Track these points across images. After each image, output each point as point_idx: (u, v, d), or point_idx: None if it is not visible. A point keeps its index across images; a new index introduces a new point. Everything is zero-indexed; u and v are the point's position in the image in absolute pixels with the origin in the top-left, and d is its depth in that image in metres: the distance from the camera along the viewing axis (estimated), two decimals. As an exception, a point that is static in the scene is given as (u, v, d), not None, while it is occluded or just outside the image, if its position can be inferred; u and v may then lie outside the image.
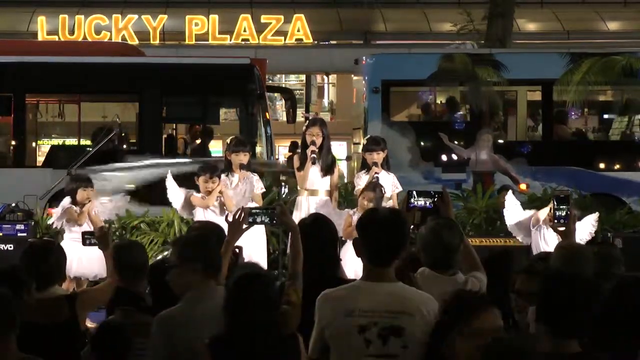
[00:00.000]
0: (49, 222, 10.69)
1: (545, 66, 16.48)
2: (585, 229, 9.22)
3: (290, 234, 5.67)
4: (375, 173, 9.91)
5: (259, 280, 4.64)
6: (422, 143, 16.49)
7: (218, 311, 4.63)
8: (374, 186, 9.55)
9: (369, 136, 10.93)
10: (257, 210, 5.68)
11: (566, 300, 4.06)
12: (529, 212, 9.58)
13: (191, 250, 5.09)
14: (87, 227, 9.85)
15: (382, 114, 16.18)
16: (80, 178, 10.64)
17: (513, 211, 9.70)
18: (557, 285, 4.14)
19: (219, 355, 4.53)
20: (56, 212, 10.39)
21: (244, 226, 5.58)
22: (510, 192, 10.21)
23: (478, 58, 16.88)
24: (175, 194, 9.89)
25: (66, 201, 10.27)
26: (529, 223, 9.37)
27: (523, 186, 15.70)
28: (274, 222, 5.67)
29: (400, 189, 10.10)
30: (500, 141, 16.71)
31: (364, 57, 16.71)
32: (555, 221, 6.78)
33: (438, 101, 17.77)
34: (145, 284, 5.94)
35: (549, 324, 4.08)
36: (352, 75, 18.77)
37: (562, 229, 6.82)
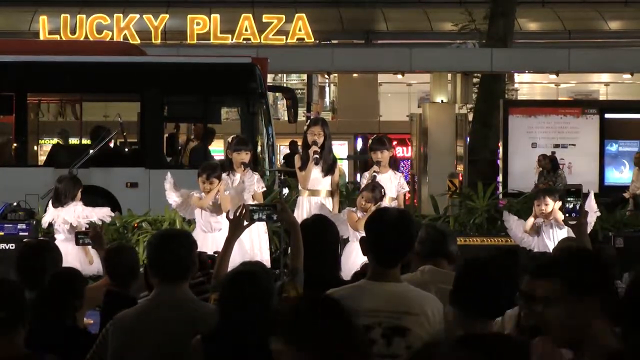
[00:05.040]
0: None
1: None
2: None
3: (290, 230, 5.66)
4: (375, 172, 9.91)
5: (251, 277, 4.63)
6: None
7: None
8: (373, 187, 9.53)
9: (374, 136, 10.94)
10: (258, 207, 5.65)
11: (476, 283, 4.26)
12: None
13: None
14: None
15: None
16: (75, 178, 10.69)
17: (515, 228, 9.75)
18: (469, 270, 4.35)
19: (211, 351, 4.54)
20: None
21: (245, 223, 5.57)
22: (506, 212, 10.29)
23: None
24: (172, 194, 9.85)
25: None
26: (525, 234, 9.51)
27: None
28: (275, 218, 5.65)
29: (407, 189, 10.08)
30: None
31: None
32: (567, 215, 6.73)
33: None
34: (139, 285, 5.90)
35: (460, 308, 4.28)
36: None
37: (574, 222, 6.77)
